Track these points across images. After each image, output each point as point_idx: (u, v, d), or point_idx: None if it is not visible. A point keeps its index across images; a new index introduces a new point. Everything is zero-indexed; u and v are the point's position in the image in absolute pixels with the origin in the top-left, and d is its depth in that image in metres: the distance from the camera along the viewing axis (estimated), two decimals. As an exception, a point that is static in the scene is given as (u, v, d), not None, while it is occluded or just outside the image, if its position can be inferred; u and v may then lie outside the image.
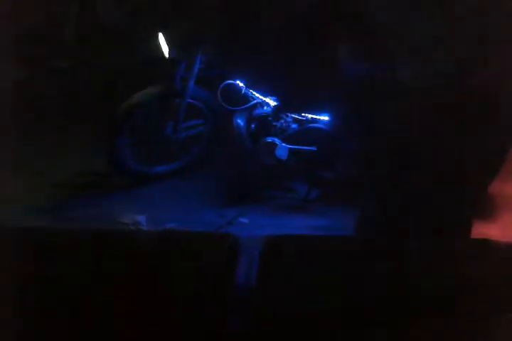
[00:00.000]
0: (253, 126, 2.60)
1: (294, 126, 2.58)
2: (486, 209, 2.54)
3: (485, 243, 1.51)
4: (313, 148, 2.56)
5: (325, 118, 2.53)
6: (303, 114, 2.56)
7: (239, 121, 2.55)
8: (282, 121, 2.57)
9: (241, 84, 2.52)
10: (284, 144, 2.53)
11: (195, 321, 1.09)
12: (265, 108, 2.56)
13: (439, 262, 1.38)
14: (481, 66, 1.46)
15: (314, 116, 2.55)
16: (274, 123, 2.57)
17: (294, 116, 2.58)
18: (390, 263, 1.32)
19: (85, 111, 3.06)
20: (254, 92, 2.53)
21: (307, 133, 2.56)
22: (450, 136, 1.61)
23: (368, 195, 1.97)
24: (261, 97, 2.54)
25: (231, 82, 2.52)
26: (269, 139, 2.52)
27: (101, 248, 1.13)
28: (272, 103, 2.55)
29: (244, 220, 2.50)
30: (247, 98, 2.55)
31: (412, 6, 1.50)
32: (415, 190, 1.76)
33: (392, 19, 1.55)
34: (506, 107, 1.54)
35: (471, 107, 1.55)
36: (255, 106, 2.58)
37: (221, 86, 2.51)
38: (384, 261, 1.33)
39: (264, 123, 2.57)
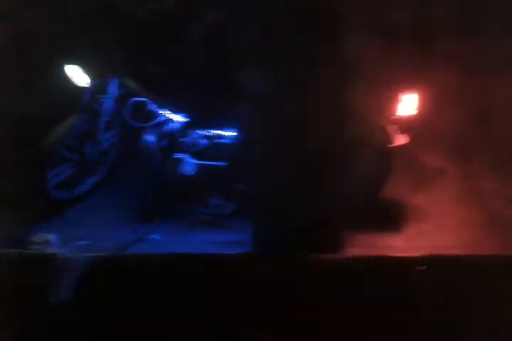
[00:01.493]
0: (164, 142, 2.62)
1: (202, 141, 2.61)
2: (392, 220, 2.59)
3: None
4: (222, 163, 2.59)
5: (232, 133, 2.56)
6: (211, 130, 2.59)
7: (148, 137, 2.57)
8: (191, 137, 2.60)
9: (148, 102, 2.55)
10: (191, 160, 2.55)
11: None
12: (174, 125, 2.59)
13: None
14: None
15: (222, 132, 2.58)
16: (183, 140, 2.59)
17: (202, 132, 2.60)
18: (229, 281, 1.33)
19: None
20: (161, 110, 2.56)
21: (216, 148, 2.59)
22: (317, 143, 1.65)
23: (255, 207, 2.01)
24: (168, 114, 2.57)
25: (138, 99, 2.55)
26: (176, 155, 2.55)
27: None
28: (180, 120, 2.58)
29: (156, 236, 2.51)
30: (154, 115, 2.58)
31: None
32: (292, 201, 1.79)
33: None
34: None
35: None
36: (165, 122, 2.61)
37: (129, 103, 2.54)
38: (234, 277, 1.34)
39: (173, 140, 2.59)
